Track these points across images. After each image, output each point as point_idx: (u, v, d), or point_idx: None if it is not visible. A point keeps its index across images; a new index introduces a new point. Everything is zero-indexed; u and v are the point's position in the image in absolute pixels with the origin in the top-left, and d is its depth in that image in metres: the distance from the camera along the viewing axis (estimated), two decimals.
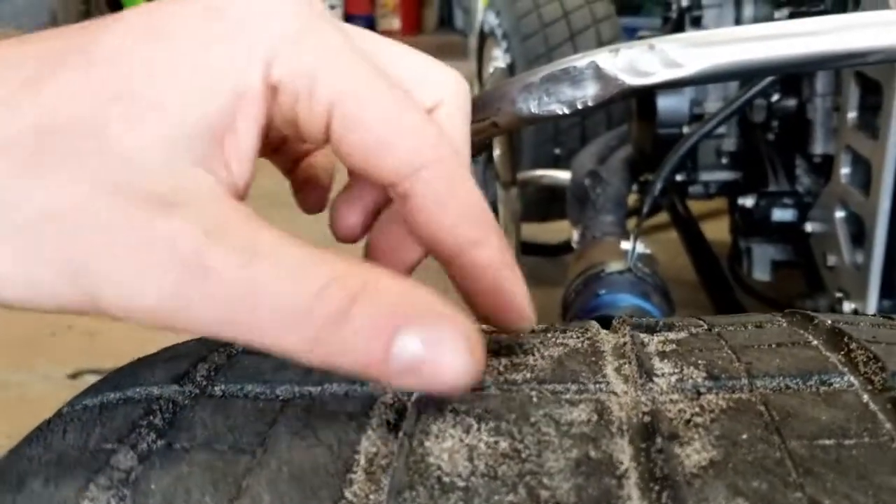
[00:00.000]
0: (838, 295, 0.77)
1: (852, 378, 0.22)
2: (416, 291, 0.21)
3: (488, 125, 0.60)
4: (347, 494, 0.20)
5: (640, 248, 0.86)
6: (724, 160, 0.97)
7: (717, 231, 1.36)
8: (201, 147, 0.23)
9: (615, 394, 0.23)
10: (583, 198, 1.13)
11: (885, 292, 0.69)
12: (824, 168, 0.84)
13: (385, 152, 0.25)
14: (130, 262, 0.20)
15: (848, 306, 0.75)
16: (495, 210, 0.86)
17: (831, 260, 0.78)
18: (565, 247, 1.83)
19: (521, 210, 1.40)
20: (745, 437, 0.20)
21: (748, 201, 0.89)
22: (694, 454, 0.19)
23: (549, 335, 0.28)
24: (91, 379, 1.51)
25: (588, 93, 0.51)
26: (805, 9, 0.81)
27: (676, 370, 0.24)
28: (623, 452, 0.20)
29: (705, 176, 0.99)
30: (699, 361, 0.24)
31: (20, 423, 0.28)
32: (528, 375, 0.24)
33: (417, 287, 0.22)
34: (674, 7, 1.05)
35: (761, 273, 0.94)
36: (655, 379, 0.23)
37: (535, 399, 0.23)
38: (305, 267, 0.21)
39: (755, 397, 0.22)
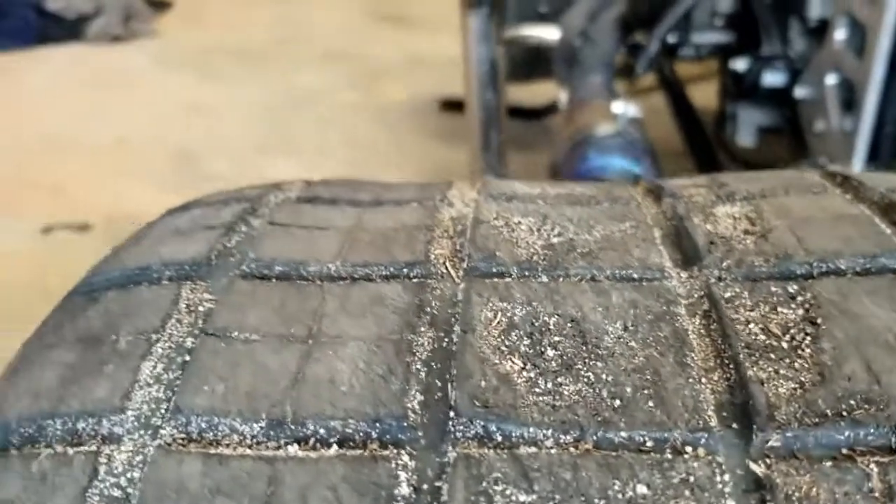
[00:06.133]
0: (822, 160, 0.78)
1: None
2: None
3: None
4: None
5: (630, 109, 0.86)
6: (718, 21, 0.95)
7: (703, 97, 1.35)
8: None
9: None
10: (570, 58, 1.11)
11: (872, 155, 0.70)
12: (819, 33, 0.83)
13: None
14: None
15: None
16: (496, 67, 0.84)
17: (819, 126, 0.79)
18: (550, 109, 1.81)
19: (505, 69, 1.37)
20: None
21: (740, 64, 0.88)
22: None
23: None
24: (63, 233, 1.50)
25: None
26: None
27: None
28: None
29: (697, 38, 0.97)
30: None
31: None
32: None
33: None
34: None
35: (746, 138, 0.94)
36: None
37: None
38: None
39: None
